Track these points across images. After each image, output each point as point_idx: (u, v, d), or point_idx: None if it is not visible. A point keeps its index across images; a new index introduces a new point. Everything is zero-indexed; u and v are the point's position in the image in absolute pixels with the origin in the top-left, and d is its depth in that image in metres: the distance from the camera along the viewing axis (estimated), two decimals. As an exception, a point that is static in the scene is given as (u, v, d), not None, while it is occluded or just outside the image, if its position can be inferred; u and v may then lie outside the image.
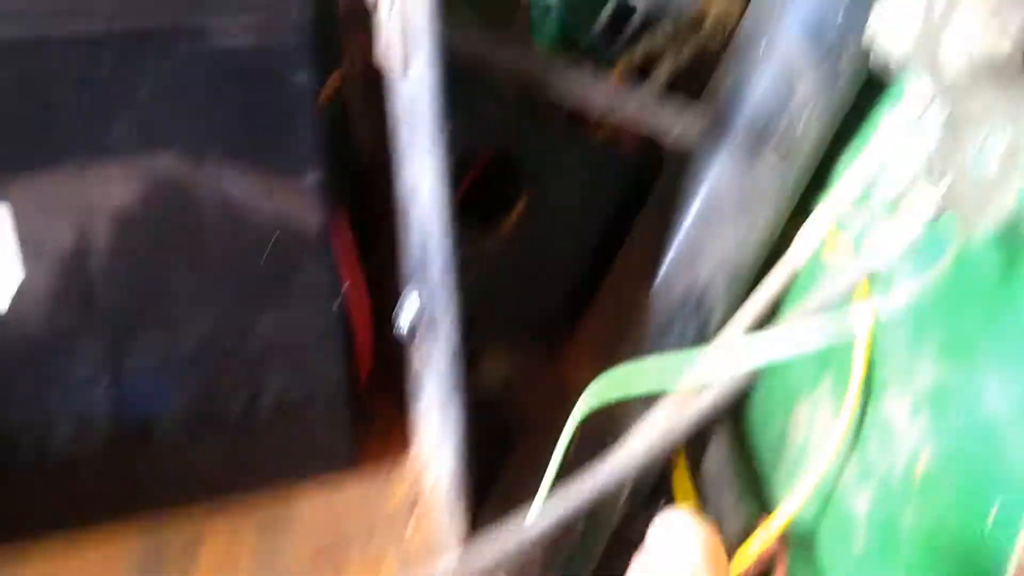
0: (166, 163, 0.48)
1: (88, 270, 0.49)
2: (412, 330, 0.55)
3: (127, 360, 0.51)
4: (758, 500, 0.62)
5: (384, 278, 0.58)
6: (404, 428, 0.62)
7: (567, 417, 0.51)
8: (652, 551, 0.39)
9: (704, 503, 0.63)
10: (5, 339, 0.49)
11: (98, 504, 0.54)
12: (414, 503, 0.58)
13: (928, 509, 0.47)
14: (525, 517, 0.46)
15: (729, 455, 0.65)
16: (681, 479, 0.64)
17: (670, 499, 0.64)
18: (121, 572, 0.52)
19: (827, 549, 0.55)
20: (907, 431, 0.49)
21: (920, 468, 0.48)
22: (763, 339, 0.42)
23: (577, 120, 0.64)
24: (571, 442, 0.48)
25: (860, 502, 0.52)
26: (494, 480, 0.60)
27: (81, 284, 0.49)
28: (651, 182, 0.61)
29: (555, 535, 0.50)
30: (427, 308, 0.53)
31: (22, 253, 0.47)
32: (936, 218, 0.40)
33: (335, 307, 0.55)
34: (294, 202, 0.51)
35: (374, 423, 0.62)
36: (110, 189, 0.48)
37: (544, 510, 0.46)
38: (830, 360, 0.56)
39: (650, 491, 0.64)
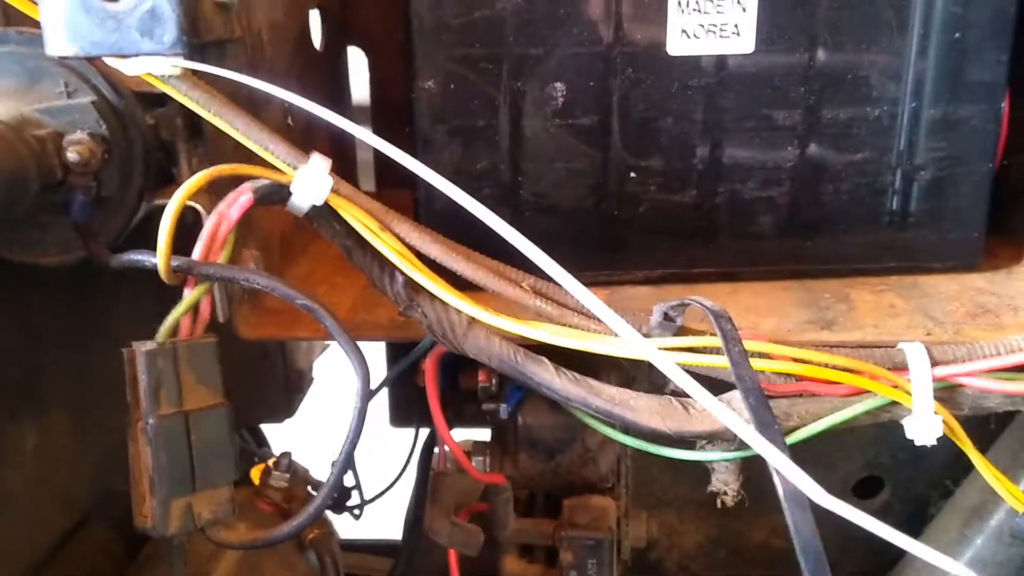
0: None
1: (812, 42, 0.61)
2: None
3: (814, 138, 0.63)
4: None
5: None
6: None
7: None
8: None
9: None
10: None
11: (767, 260, 0.68)
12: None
13: None
14: None
15: None
16: None
17: None
18: (783, 304, 0.65)
19: None
20: None
21: None
22: None
23: None
24: None
25: None
26: None
27: (804, 53, 0.61)
28: None
29: None
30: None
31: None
32: None
33: (997, 112, 0.62)
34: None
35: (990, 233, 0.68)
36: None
37: None
38: None
39: None
